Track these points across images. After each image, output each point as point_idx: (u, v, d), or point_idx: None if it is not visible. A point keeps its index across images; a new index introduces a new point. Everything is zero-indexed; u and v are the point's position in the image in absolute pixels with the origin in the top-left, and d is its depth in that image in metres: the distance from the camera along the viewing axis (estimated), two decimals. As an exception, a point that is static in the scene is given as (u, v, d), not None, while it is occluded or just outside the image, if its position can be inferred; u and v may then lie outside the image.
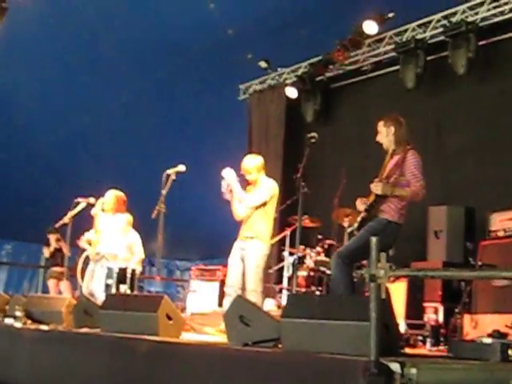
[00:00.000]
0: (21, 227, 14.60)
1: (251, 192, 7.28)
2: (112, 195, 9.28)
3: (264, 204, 7.16)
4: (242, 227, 7.25)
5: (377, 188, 5.80)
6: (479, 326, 6.75)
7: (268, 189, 7.24)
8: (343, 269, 5.74)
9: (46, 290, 12.22)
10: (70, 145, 13.60)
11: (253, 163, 7.35)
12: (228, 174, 7.19)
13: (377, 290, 3.38)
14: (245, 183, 7.33)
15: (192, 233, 15.19)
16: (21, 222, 14.32)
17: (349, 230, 5.96)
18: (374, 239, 3.46)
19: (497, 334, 4.46)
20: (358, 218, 5.90)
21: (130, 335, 5.14)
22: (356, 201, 6.10)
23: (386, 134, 6.07)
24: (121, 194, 9.34)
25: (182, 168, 7.67)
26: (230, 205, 7.35)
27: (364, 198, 5.95)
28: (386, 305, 4.06)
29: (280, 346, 4.30)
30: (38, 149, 13.48)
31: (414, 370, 3.28)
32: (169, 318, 5.41)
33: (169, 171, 7.64)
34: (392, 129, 6.03)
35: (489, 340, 4.34)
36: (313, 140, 6.86)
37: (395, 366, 3.29)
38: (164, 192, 7.56)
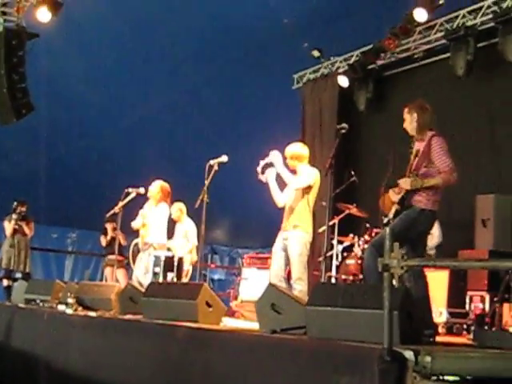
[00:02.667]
0: (86, 216, 14.80)
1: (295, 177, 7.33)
2: (157, 185, 9.38)
3: (309, 188, 7.17)
4: (284, 217, 7.31)
5: (406, 184, 5.81)
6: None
7: (311, 173, 7.27)
8: (377, 258, 5.73)
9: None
10: (130, 135, 13.80)
11: (294, 150, 7.41)
12: (275, 157, 7.26)
13: (390, 280, 3.44)
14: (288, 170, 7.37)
15: (252, 221, 15.28)
16: (86, 211, 14.56)
17: (385, 220, 5.92)
18: (387, 230, 3.52)
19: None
20: (393, 209, 5.92)
21: (170, 322, 5.27)
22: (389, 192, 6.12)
23: (410, 121, 6.05)
24: (166, 184, 9.43)
25: (224, 158, 7.73)
26: (268, 191, 7.42)
27: (397, 189, 5.96)
28: (407, 294, 4.12)
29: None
30: (99, 140, 13.71)
31: (428, 358, 3.27)
32: (208, 305, 5.51)
33: (212, 162, 7.74)
34: (415, 115, 5.99)
35: (514, 329, 4.34)
36: (343, 131, 6.87)
37: (409, 354, 3.30)
38: (207, 182, 7.66)
